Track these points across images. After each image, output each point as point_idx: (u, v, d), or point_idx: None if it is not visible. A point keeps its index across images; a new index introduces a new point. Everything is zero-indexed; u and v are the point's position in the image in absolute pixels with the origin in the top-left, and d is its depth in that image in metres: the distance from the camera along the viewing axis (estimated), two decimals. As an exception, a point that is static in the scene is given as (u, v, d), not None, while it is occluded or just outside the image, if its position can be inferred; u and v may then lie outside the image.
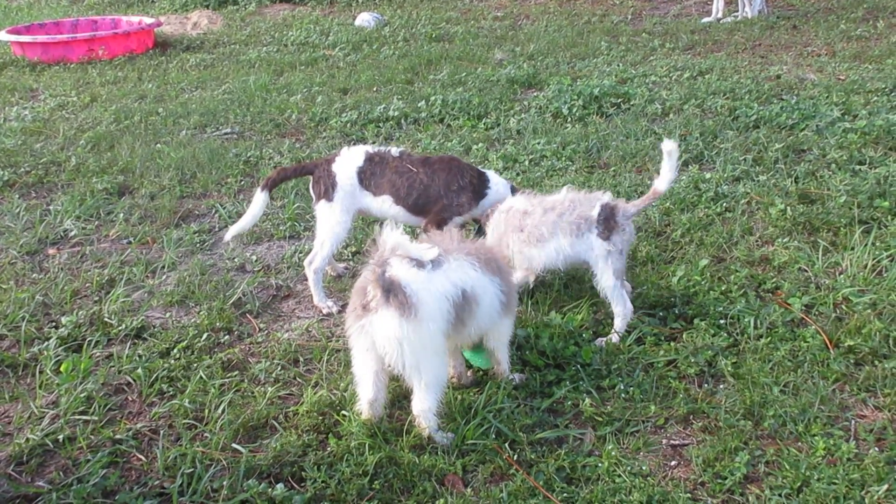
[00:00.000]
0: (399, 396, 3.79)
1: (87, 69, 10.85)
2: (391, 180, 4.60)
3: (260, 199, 4.75)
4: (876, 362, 3.88)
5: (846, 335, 4.05)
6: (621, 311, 4.20)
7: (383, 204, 4.65)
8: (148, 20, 12.67)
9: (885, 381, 3.74)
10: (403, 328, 3.23)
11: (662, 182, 4.17)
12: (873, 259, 4.69)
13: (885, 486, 3.10)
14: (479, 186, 4.69)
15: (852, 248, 4.84)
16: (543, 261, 4.30)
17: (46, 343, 4.32)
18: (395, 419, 3.64)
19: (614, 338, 4.17)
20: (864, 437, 3.43)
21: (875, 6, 12.68)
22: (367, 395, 3.50)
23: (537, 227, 4.26)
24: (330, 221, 4.62)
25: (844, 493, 3.09)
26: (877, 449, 3.34)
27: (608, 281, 4.18)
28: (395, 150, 4.71)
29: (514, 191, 4.80)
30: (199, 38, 13.02)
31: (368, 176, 4.62)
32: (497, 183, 4.75)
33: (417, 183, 4.59)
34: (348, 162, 4.64)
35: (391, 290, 3.23)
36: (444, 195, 4.60)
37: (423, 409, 3.42)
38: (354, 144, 4.84)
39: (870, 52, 9.79)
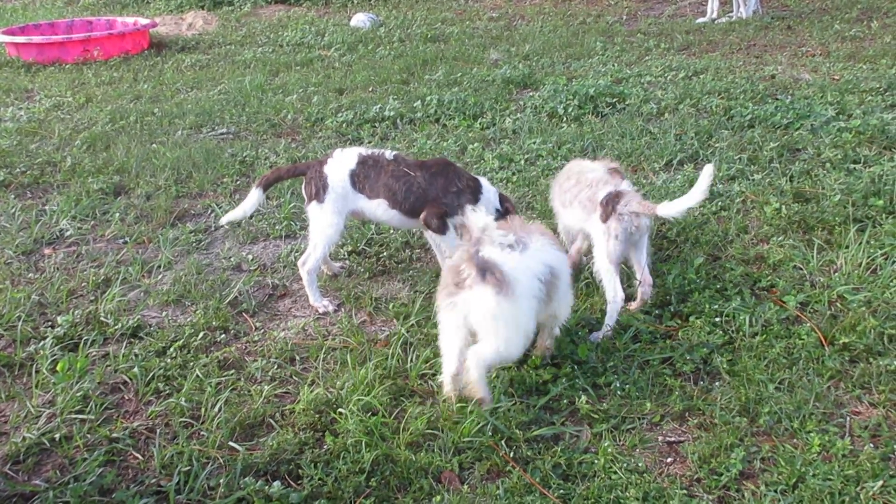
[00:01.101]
0: (396, 394, 3.80)
1: (82, 70, 10.85)
2: (387, 184, 4.58)
3: (255, 195, 4.76)
4: (870, 359, 3.89)
5: (841, 332, 4.06)
6: (611, 297, 4.25)
7: (378, 208, 4.63)
8: (143, 21, 12.66)
9: (880, 378, 3.75)
10: (501, 305, 3.35)
11: (668, 208, 4.15)
12: (868, 257, 4.70)
13: (880, 483, 3.12)
14: (475, 190, 4.69)
15: (847, 247, 4.85)
16: (570, 225, 4.70)
17: (42, 342, 4.32)
18: (391, 417, 3.64)
19: (604, 332, 4.18)
20: (858, 434, 3.44)
21: (869, 7, 12.73)
22: (450, 370, 3.60)
23: (566, 193, 4.55)
24: (321, 223, 4.62)
25: (840, 489, 3.10)
26: (871, 445, 3.35)
27: (601, 262, 4.30)
28: (388, 154, 4.69)
29: (501, 199, 4.79)
30: (195, 39, 13.01)
31: (362, 179, 4.61)
32: (488, 190, 4.74)
33: (415, 187, 4.57)
34: (341, 164, 4.63)
35: (487, 269, 3.36)
36: (442, 197, 4.59)
37: (485, 357, 3.47)
38: (350, 145, 4.84)
39: (864, 53, 9.82)
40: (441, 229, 4.62)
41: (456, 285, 3.45)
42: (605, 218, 4.27)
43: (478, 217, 3.50)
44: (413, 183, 4.57)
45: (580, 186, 4.48)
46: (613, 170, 4.58)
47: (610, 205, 4.27)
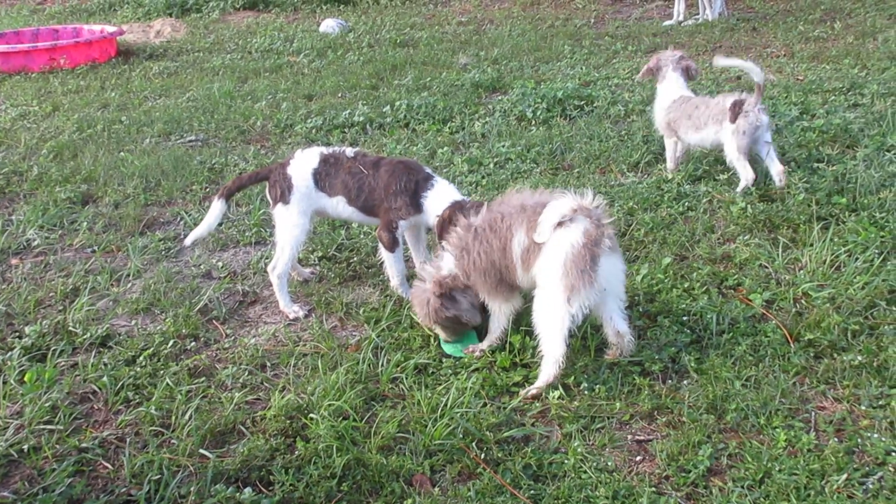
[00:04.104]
0: (367, 398, 3.80)
1: (48, 78, 10.75)
2: (344, 181, 4.61)
3: (217, 207, 4.76)
4: (835, 355, 3.95)
5: (806, 329, 4.12)
6: (742, 174, 5.75)
7: (338, 205, 4.66)
8: (110, 29, 12.57)
9: (844, 373, 3.80)
10: None
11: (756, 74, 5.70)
12: (832, 254, 4.77)
13: (845, 476, 3.16)
14: (416, 192, 4.54)
15: (811, 245, 4.92)
16: (704, 140, 5.99)
17: (10, 353, 4.28)
18: (363, 421, 3.65)
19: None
20: (823, 429, 3.49)
21: (832, 8, 12.90)
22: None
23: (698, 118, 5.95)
24: (288, 224, 4.62)
25: (805, 484, 3.15)
26: (836, 439, 3.40)
27: (732, 153, 5.75)
28: (349, 151, 4.71)
29: (461, 205, 4.43)
30: (163, 46, 12.94)
31: (323, 177, 4.63)
32: (438, 194, 4.51)
33: (366, 185, 4.59)
34: (303, 164, 4.65)
35: None
36: (385, 198, 4.59)
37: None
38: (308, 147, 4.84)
39: (827, 53, 9.95)
40: (391, 245, 4.63)
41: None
42: (734, 119, 5.67)
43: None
44: (365, 181, 4.58)
45: (709, 108, 5.86)
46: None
47: (737, 107, 5.68)
